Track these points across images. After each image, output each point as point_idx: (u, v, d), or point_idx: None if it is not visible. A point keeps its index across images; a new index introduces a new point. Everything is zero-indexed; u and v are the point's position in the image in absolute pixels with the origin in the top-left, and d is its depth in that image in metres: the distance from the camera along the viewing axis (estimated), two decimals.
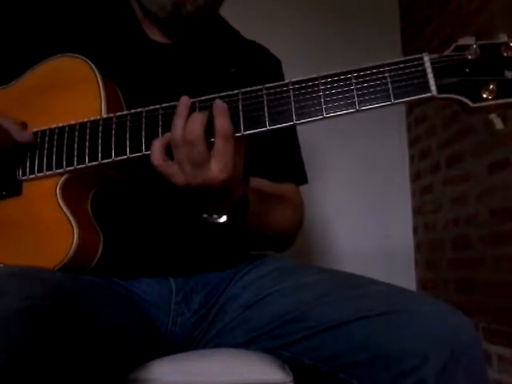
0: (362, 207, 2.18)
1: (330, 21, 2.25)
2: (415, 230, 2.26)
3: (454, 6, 1.97)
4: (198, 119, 0.73)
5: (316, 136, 1.97)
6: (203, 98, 0.76)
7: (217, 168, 0.73)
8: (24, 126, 0.85)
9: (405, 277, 2.18)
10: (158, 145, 0.75)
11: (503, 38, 0.70)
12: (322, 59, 2.13)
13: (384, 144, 2.25)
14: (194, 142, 0.72)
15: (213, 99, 0.76)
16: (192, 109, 0.76)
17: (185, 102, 0.75)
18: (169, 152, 0.75)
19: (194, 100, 0.76)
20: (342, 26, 2.25)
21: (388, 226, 2.21)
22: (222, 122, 0.73)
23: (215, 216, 0.81)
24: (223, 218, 0.81)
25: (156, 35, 0.98)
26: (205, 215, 0.81)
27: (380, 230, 2.18)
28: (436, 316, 0.72)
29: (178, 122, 0.74)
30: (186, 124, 0.73)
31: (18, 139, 0.82)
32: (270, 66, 1.07)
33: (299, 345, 0.80)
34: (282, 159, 1.03)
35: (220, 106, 0.74)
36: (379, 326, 0.72)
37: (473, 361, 0.69)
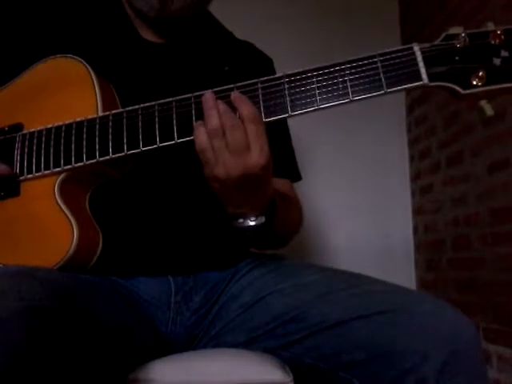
0: (361, 207, 2.18)
1: (330, 20, 2.25)
2: (415, 230, 2.26)
3: (454, 6, 1.97)
4: (230, 107, 0.73)
5: (316, 136, 1.97)
6: (198, 93, 0.77)
7: (256, 153, 0.73)
8: (20, 126, 0.86)
9: (405, 277, 2.18)
10: (202, 129, 0.74)
11: (491, 26, 0.72)
12: (321, 59, 2.12)
13: (384, 144, 2.25)
14: (235, 125, 0.72)
15: None
16: (188, 105, 0.76)
17: (210, 95, 0.75)
18: None
19: (190, 95, 0.77)
20: (342, 26, 2.25)
21: (388, 226, 2.21)
22: (247, 108, 0.73)
23: (253, 218, 0.80)
24: (259, 220, 0.80)
25: (148, 35, 0.99)
26: (240, 220, 0.80)
27: (380, 230, 2.18)
28: (436, 315, 0.72)
29: (213, 113, 0.73)
30: (221, 113, 0.73)
31: None
32: (262, 65, 1.08)
33: (299, 344, 0.80)
34: (277, 156, 1.03)
35: (238, 96, 0.74)
36: (379, 325, 0.72)
37: (473, 360, 0.69)
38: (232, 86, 0.76)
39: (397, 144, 2.29)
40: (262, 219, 0.80)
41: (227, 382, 0.80)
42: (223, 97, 0.76)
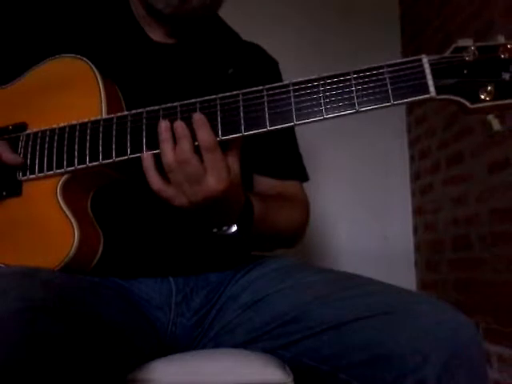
0: (361, 207, 2.18)
1: (330, 21, 2.25)
2: (415, 230, 2.26)
3: (454, 7, 1.97)
4: (185, 138, 0.74)
5: (316, 136, 1.97)
6: (205, 98, 0.77)
7: (213, 180, 0.73)
8: (24, 126, 0.86)
9: (405, 277, 2.18)
10: (151, 171, 0.75)
11: (501, 39, 0.71)
12: (321, 59, 2.13)
13: (384, 144, 2.25)
14: (187, 159, 0.73)
15: (214, 100, 0.76)
16: (193, 109, 0.76)
17: (164, 126, 0.75)
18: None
19: (195, 100, 0.77)
20: (342, 26, 2.25)
21: (388, 226, 2.21)
22: (202, 135, 0.73)
23: (225, 228, 0.82)
24: (233, 228, 0.82)
25: (156, 34, 0.98)
26: (215, 230, 0.82)
27: (380, 231, 2.18)
28: (436, 316, 0.72)
29: (166, 147, 0.74)
30: (175, 146, 0.74)
31: (7, 162, 0.82)
32: (267, 67, 1.08)
33: (299, 345, 0.80)
34: (284, 157, 1.04)
35: (197, 119, 0.74)
36: (379, 326, 0.72)
37: (473, 361, 0.69)
38: (237, 92, 0.75)
39: (397, 144, 2.30)
40: (234, 228, 0.82)
41: (227, 382, 0.80)
42: (224, 104, 0.75)
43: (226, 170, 0.74)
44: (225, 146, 0.76)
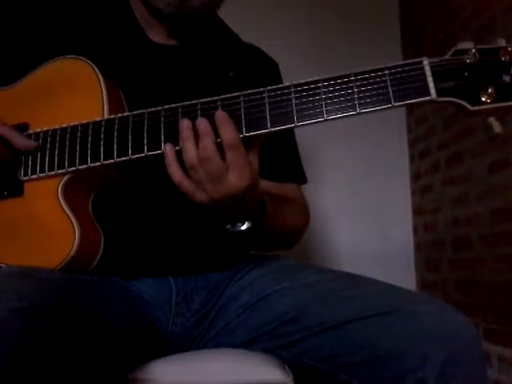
0: (362, 207, 2.18)
1: (330, 21, 2.25)
2: (415, 230, 2.26)
3: (454, 7, 1.97)
4: (208, 135, 0.73)
5: (316, 136, 1.97)
6: (206, 99, 0.77)
7: (235, 178, 0.73)
8: (26, 126, 0.86)
9: (405, 277, 2.18)
10: (173, 163, 0.74)
11: (501, 42, 0.72)
12: (321, 59, 2.13)
13: (384, 144, 2.25)
14: (209, 157, 0.73)
15: (215, 101, 0.76)
16: (193, 111, 0.76)
17: (186, 125, 0.75)
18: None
19: (196, 101, 0.77)
20: (342, 26, 2.25)
21: (388, 226, 2.21)
22: (226, 133, 0.73)
23: (239, 224, 0.82)
24: (247, 225, 0.82)
25: (157, 36, 0.98)
26: (228, 226, 0.82)
27: (380, 230, 2.18)
28: (436, 316, 0.72)
29: (188, 145, 0.74)
30: (197, 143, 0.73)
31: (18, 147, 0.82)
32: (268, 70, 1.08)
33: (299, 345, 0.80)
34: (283, 160, 1.04)
35: (220, 117, 0.74)
36: (379, 326, 0.73)
37: (473, 360, 0.70)
38: (239, 93, 0.76)
39: (397, 144, 2.30)
40: (249, 224, 0.82)
41: (227, 381, 0.80)
42: (226, 105, 0.75)
43: (248, 167, 0.74)
44: (245, 144, 0.76)
